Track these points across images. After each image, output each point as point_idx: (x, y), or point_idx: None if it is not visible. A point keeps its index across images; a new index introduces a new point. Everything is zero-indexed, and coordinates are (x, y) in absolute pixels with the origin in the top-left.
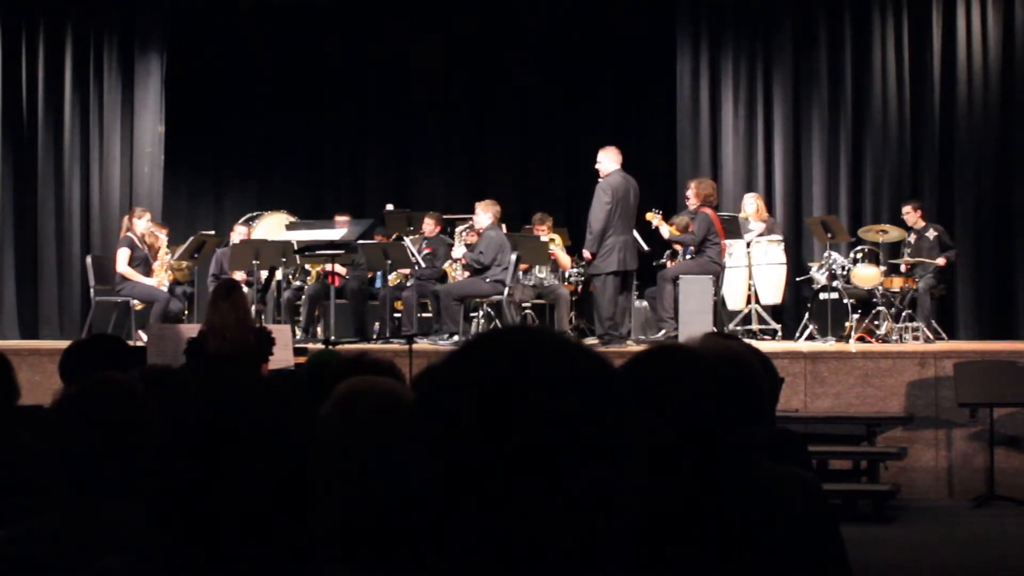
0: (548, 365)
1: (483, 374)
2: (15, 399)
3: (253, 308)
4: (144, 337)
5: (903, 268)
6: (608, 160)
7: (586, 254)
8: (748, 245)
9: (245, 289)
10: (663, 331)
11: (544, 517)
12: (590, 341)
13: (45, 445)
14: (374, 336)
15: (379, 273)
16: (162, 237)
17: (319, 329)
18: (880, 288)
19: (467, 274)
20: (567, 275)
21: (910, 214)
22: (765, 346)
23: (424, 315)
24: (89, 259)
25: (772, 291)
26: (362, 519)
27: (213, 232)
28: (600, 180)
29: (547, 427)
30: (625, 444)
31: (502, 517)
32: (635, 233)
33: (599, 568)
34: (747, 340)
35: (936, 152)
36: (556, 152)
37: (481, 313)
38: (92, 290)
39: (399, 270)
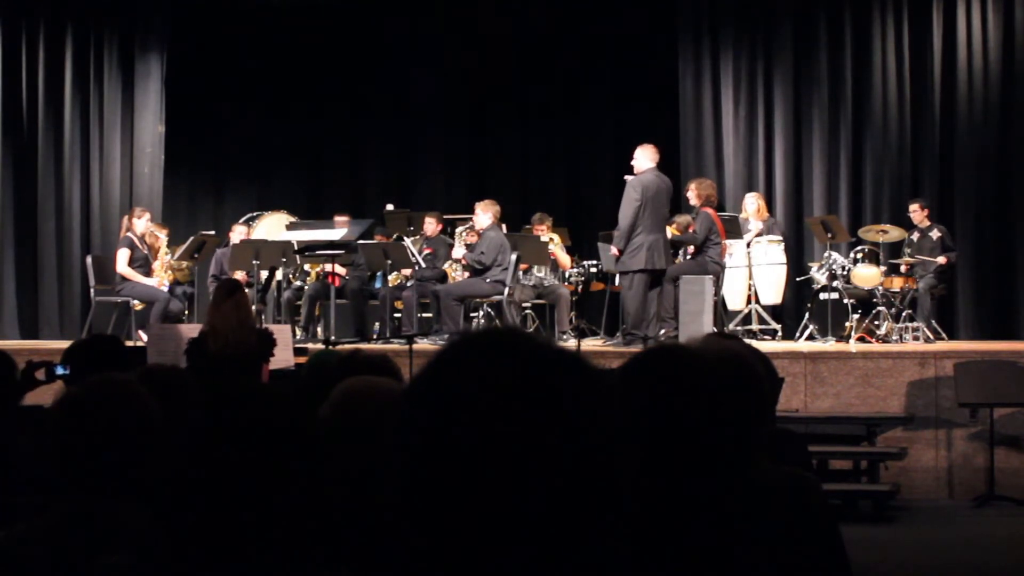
0: (526, 370)
1: (460, 384)
2: (17, 397)
3: (253, 308)
4: (144, 337)
5: (903, 269)
6: (643, 158)
7: (613, 251)
8: (748, 245)
9: (245, 289)
10: (663, 331)
11: (530, 523)
12: (593, 341)
13: (45, 445)
14: (374, 336)
15: (379, 273)
16: (162, 237)
17: (319, 329)
18: (880, 288)
19: (467, 274)
20: (567, 275)
21: (917, 212)
22: (765, 346)
23: (424, 315)
24: (89, 259)
25: (772, 291)
26: (362, 519)
27: (213, 232)
28: (631, 177)
29: (527, 433)
30: (612, 447)
31: (489, 523)
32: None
33: (592, 569)
34: (747, 340)
35: (936, 152)
36: (556, 152)
37: (481, 313)
38: (92, 290)
39: (399, 270)
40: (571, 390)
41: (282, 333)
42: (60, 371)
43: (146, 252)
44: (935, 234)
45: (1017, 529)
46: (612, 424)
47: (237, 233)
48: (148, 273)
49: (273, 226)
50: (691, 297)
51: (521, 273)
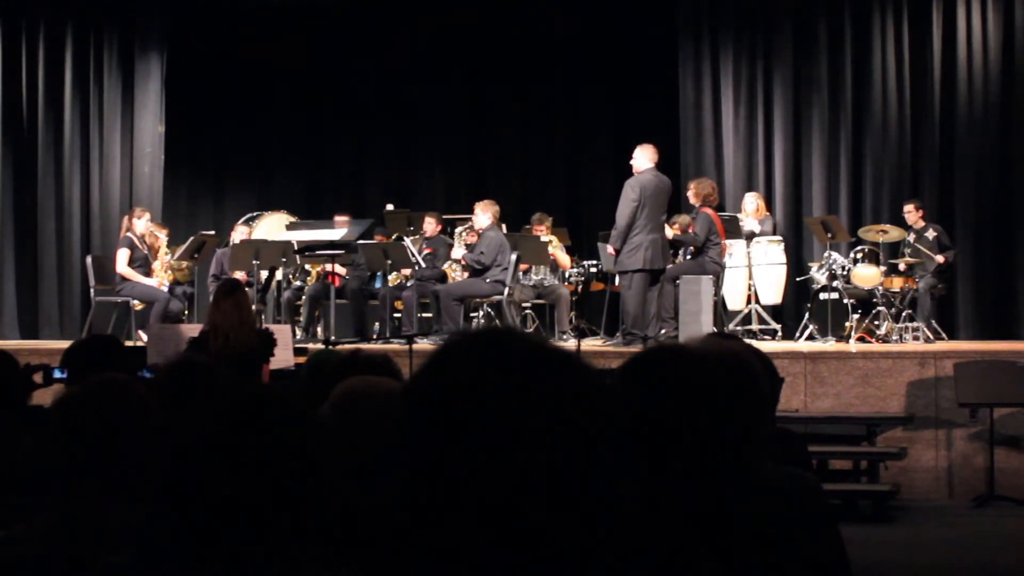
0: (522, 369)
1: (457, 383)
2: (22, 396)
3: (253, 308)
4: (144, 337)
5: (902, 267)
6: (642, 157)
7: (610, 250)
8: (748, 245)
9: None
10: (663, 331)
11: (529, 522)
12: (593, 341)
13: (45, 445)
14: (374, 336)
15: (379, 273)
16: (162, 237)
17: (319, 329)
18: (880, 288)
19: (467, 274)
20: (567, 275)
21: (911, 213)
22: (765, 346)
23: (424, 315)
24: (89, 259)
25: (772, 291)
26: (363, 519)
27: (213, 232)
28: (630, 177)
29: (523, 432)
30: (606, 446)
31: (486, 522)
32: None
33: (590, 569)
34: (747, 340)
35: (936, 152)
36: (556, 152)
37: (481, 313)
38: (92, 290)
39: (399, 270)
40: (567, 389)
41: (282, 333)
42: (58, 375)
43: (146, 252)
44: (931, 234)
45: (1017, 529)
46: (609, 423)
47: (238, 233)
48: (148, 273)
49: (273, 226)
50: (691, 297)
51: (521, 273)
